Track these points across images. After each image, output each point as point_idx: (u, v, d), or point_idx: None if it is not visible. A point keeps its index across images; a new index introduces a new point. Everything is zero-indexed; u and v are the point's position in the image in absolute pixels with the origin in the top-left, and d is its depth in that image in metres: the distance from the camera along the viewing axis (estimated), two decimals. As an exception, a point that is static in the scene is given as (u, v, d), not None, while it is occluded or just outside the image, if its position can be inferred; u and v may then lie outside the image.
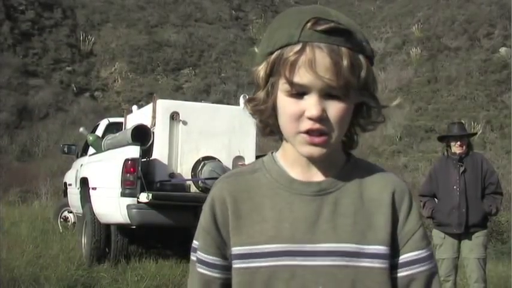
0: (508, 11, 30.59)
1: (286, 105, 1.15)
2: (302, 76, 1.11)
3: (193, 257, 1.29)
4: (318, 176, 1.23)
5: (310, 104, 1.12)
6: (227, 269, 1.23)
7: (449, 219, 5.98)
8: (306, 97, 1.13)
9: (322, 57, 1.10)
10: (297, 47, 1.11)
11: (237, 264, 1.21)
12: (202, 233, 1.26)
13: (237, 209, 1.22)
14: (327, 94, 1.12)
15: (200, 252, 1.26)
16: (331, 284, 1.17)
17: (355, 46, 1.13)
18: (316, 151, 1.16)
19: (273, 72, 1.16)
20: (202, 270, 1.25)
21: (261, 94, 1.21)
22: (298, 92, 1.13)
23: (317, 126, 1.12)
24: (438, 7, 36.62)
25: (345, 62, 1.10)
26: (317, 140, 1.14)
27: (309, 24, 1.11)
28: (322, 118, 1.12)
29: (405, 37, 35.59)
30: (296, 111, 1.14)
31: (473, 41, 32.03)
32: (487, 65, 29.59)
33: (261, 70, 1.18)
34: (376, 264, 1.19)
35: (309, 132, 1.13)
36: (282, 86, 1.15)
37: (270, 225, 1.20)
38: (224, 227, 1.23)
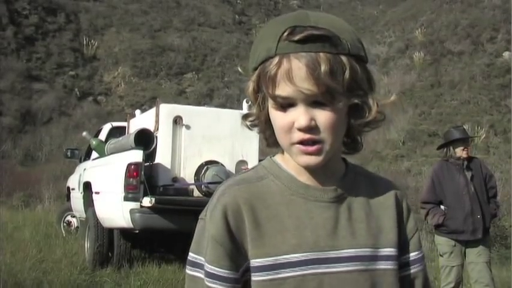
0: (511, 15, 30.57)
1: (276, 119, 1.15)
2: (282, 89, 1.10)
3: (194, 273, 1.20)
4: (324, 182, 1.22)
5: (298, 115, 1.11)
6: (238, 282, 1.17)
7: (465, 226, 5.90)
8: (293, 108, 1.12)
9: (298, 67, 1.08)
10: (275, 60, 1.10)
11: (259, 277, 1.16)
12: (212, 244, 1.17)
13: (255, 218, 1.17)
14: (313, 102, 1.11)
15: (211, 265, 1.16)
16: None
17: (336, 49, 1.10)
18: (312, 160, 1.15)
19: (259, 88, 1.16)
20: (214, 285, 1.16)
21: (254, 110, 1.22)
22: (285, 105, 1.13)
23: (308, 136, 1.12)
24: (441, 11, 36.61)
25: (323, 68, 1.08)
26: (311, 149, 1.13)
27: (284, 35, 1.10)
28: (311, 127, 1.11)
29: (408, 41, 35.60)
30: (286, 124, 1.13)
31: (476, 45, 32.01)
32: (491, 69, 29.56)
33: (250, 86, 1.18)
34: (390, 266, 1.22)
35: (301, 142, 1.13)
36: (270, 100, 1.15)
37: (291, 234, 1.17)
38: (239, 236, 1.17)
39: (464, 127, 7.13)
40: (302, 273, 1.15)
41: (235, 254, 1.17)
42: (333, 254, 1.17)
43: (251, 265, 1.16)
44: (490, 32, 32.30)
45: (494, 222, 6.98)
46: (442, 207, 6.11)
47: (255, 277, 1.16)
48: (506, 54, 30.25)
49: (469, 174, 6.00)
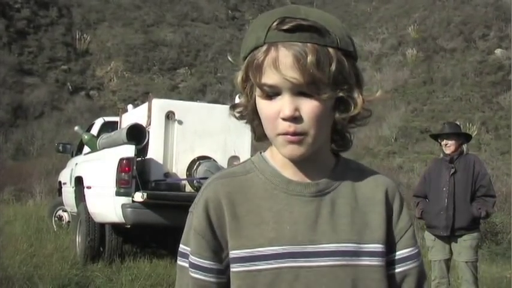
0: (503, 13, 30.69)
1: (262, 108, 1.16)
2: (268, 77, 1.11)
3: (183, 263, 1.24)
4: (311, 177, 1.22)
5: (283, 104, 1.12)
6: (222, 272, 1.20)
7: (437, 221, 5.93)
8: (279, 97, 1.13)
9: (284, 56, 1.09)
10: (263, 49, 1.11)
11: (236, 268, 1.18)
12: (195, 236, 1.21)
13: (234, 211, 1.20)
14: (299, 93, 1.12)
15: (194, 256, 1.21)
16: (334, 283, 1.17)
17: (324, 40, 1.11)
18: (295, 150, 1.15)
19: (248, 77, 1.17)
20: (197, 275, 1.20)
21: (242, 99, 1.23)
22: (271, 93, 1.13)
23: (292, 128, 1.12)
24: (434, 8, 36.70)
25: (309, 59, 1.08)
26: (294, 138, 1.13)
27: (274, 25, 1.11)
28: (295, 117, 1.12)
29: (401, 38, 35.65)
30: (271, 113, 1.14)
31: (468, 43, 32.11)
32: (483, 66, 29.66)
33: (239, 76, 1.19)
34: (375, 262, 1.20)
35: (285, 133, 1.13)
36: (257, 88, 1.16)
37: (270, 227, 1.18)
38: (220, 229, 1.20)
39: (457, 123, 7.12)
40: (278, 266, 1.16)
41: (217, 246, 1.20)
42: (311, 248, 1.18)
43: (230, 256, 1.19)
44: (482, 29, 32.41)
45: (484, 221, 6.90)
46: (427, 201, 6.19)
47: (233, 268, 1.18)
48: (498, 51, 30.36)
49: (451, 170, 5.99)
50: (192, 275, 1.21)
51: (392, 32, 37.14)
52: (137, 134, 7.66)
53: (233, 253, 1.18)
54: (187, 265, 1.22)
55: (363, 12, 42.87)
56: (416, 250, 1.28)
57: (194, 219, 1.22)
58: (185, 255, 1.23)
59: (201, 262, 1.20)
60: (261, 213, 1.20)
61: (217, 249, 1.20)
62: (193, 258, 1.21)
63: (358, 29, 36.88)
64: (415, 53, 32.52)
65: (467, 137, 6.47)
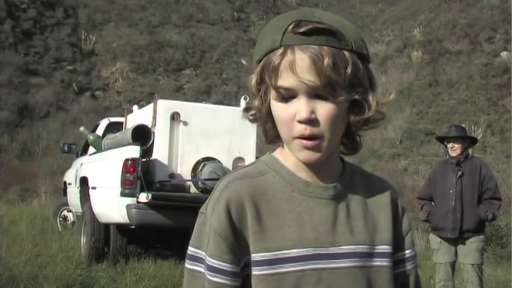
0: (509, 15, 30.59)
1: (277, 110, 1.16)
2: (285, 80, 1.12)
3: (194, 267, 1.20)
4: (324, 180, 1.23)
5: (299, 107, 1.12)
6: (239, 276, 1.17)
7: (444, 224, 5.93)
8: (294, 100, 1.13)
9: (301, 58, 1.10)
10: (279, 51, 1.12)
11: (259, 271, 1.16)
12: (215, 238, 1.16)
13: (257, 213, 1.18)
14: (315, 95, 1.12)
15: (213, 259, 1.16)
16: (353, 284, 1.20)
17: (340, 44, 1.12)
18: (311, 156, 1.16)
19: (262, 79, 1.17)
20: (216, 279, 1.16)
21: (256, 102, 1.22)
22: (287, 96, 1.13)
23: (308, 132, 1.12)
24: (440, 11, 36.63)
25: (326, 61, 1.09)
26: (310, 143, 1.14)
27: (290, 28, 1.11)
28: (311, 120, 1.12)
29: (406, 40, 35.61)
30: (287, 116, 1.14)
31: (474, 45, 32.04)
32: (488, 69, 29.58)
33: (253, 78, 1.19)
34: (385, 263, 1.24)
35: (302, 137, 1.14)
36: (272, 91, 1.16)
37: (292, 229, 1.18)
38: (242, 231, 1.17)
39: (463, 126, 7.09)
40: (302, 268, 1.16)
41: (237, 248, 1.17)
42: (332, 250, 1.19)
43: (252, 259, 1.17)
44: (488, 31, 32.33)
45: (489, 223, 6.91)
46: (432, 203, 6.18)
47: (256, 271, 1.16)
48: (504, 54, 30.28)
49: (459, 173, 5.98)
50: (211, 278, 1.17)
51: (398, 34, 37.10)
52: (142, 135, 7.67)
53: (256, 256, 1.17)
54: (200, 269, 1.19)
55: (369, 14, 42.85)
56: (415, 252, 1.33)
57: (213, 221, 1.17)
58: (197, 259, 1.20)
59: (220, 265, 1.16)
60: (282, 215, 1.19)
61: (237, 251, 1.17)
62: (212, 261, 1.17)
63: (363, 31, 36.83)
64: (421, 55, 32.48)
65: (473, 140, 6.48)
